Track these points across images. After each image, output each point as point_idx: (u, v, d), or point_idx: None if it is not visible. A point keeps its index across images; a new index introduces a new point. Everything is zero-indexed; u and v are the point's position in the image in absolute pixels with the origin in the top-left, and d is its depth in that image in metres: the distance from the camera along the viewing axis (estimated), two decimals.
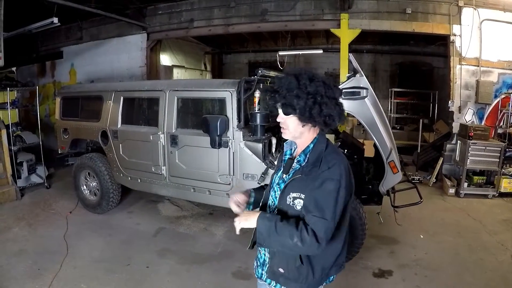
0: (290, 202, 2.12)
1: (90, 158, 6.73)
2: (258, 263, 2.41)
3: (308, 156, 2.16)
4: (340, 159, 2.12)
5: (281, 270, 2.22)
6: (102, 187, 6.62)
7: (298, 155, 2.22)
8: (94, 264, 5.03)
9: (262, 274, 2.37)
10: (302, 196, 2.07)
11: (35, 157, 8.55)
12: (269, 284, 2.33)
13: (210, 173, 5.38)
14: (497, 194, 7.78)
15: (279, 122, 2.18)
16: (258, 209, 2.44)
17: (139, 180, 6.24)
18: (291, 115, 2.09)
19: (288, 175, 2.20)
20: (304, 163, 2.15)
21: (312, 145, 2.19)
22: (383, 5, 8.97)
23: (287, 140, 2.31)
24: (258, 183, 4.86)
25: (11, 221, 6.48)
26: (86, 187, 7.00)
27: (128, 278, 4.69)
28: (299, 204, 2.08)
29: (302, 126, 2.13)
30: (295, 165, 2.21)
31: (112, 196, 6.64)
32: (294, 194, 2.10)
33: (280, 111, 2.13)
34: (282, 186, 2.19)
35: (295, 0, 9.47)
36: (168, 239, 5.86)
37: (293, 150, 2.32)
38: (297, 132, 2.15)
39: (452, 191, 8.04)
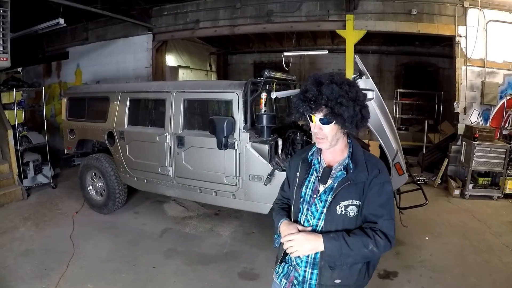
0: (341, 211, 2.07)
1: (96, 158, 6.77)
2: (296, 282, 2.25)
3: (353, 162, 2.12)
4: (379, 160, 2.21)
5: (337, 281, 2.13)
6: (109, 188, 6.66)
7: (341, 162, 2.15)
8: (101, 264, 5.06)
9: None
10: (356, 202, 2.07)
11: (41, 157, 8.60)
12: None
13: (216, 174, 5.41)
14: (502, 196, 7.76)
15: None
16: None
17: (145, 181, 6.27)
18: (332, 123, 2.00)
19: (331, 185, 2.11)
20: (352, 170, 2.09)
21: (351, 151, 2.16)
22: (389, 6, 8.95)
23: (314, 148, 2.24)
24: (264, 184, 4.89)
25: (17, 221, 6.52)
26: (92, 187, 7.04)
27: (134, 278, 4.72)
28: (352, 211, 2.07)
29: (342, 134, 2.10)
30: (336, 173, 2.13)
31: (118, 197, 6.68)
32: (346, 202, 2.06)
33: (316, 120, 2.02)
34: (325, 197, 2.11)
35: (300, 1, 9.47)
36: (174, 240, 5.89)
37: (320, 159, 2.21)
38: (334, 140, 2.07)
39: (457, 192, 8.03)
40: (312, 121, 2.05)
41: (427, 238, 5.92)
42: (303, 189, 2.20)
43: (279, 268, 2.39)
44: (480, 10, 8.45)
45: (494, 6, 8.46)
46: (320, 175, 2.16)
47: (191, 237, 6.00)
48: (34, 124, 11.67)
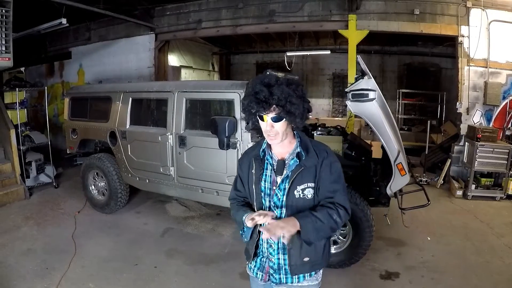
0: (299, 194, 2.27)
1: (98, 158, 6.78)
2: (272, 271, 2.44)
3: (304, 149, 2.31)
4: (325, 145, 2.44)
5: (306, 259, 2.35)
6: (111, 187, 6.67)
7: (291, 152, 2.33)
8: (102, 264, 5.07)
9: (280, 278, 2.42)
10: (311, 184, 2.27)
11: (44, 157, 8.63)
12: (291, 283, 2.42)
13: (218, 174, 5.40)
14: (505, 196, 7.73)
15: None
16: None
17: (147, 181, 6.27)
18: (283, 120, 2.17)
19: (287, 174, 2.29)
20: (304, 157, 2.28)
21: (299, 141, 2.36)
22: (391, 6, 8.93)
23: (264, 145, 2.39)
24: None
25: (19, 220, 6.54)
26: (94, 187, 7.06)
27: (136, 278, 4.72)
28: (309, 193, 2.28)
29: (291, 128, 2.30)
30: (289, 163, 2.31)
31: (120, 196, 6.69)
32: (302, 186, 2.27)
33: (268, 118, 2.17)
34: (283, 186, 2.30)
35: (302, 1, 9.47)
36: (176, 239, 5.90)
37: (271, 153, 2.38)
38: (284, 135, 2.24)
39: (459, 193, 8.01)
40: (263, 120, 2.20)
41: (429, 238, 5.91)
42: (262, 183, 2.37)
43: (251, 263, 2.55)
44: (483, 10, 8.42)
45: (497, 6, 8.43)
46: (275, 168, 2.34)
47: (193, 237, 6.01)
48: (36, 124, 11.72)
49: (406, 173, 4.93)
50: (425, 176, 9.17)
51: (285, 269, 2.39)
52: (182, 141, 5.63)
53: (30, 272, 4.79)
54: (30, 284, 4.52)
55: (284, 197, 2.29)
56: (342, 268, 4.88)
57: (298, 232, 2.18)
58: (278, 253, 2.38)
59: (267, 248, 2.42)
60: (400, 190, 5.32)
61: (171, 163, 5.85)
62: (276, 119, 2.15)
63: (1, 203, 7.16)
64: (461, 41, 8.66)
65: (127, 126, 6.33)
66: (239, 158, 2.61)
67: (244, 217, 2.30)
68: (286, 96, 2.09)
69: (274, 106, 2.11)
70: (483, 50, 8.59)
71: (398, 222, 5.88)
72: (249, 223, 2.21)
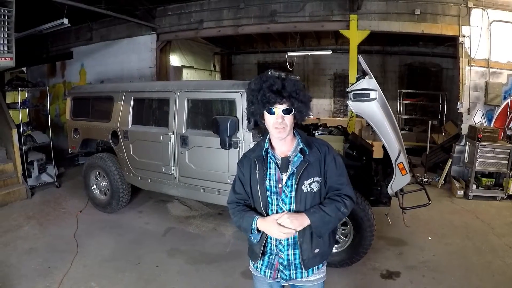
0: (307, 189, 2.33)
1: (100, 158, 6.79)
2: (281, 267, 2.48)
3: (306, 145, 2.38)
4: (323, 140, 2.56)
5: (316, 251, 2.43)
6: (112, 187, 6.68)
7: (293, 150, 2.38)
8: (104, 263, 5.08)
9: (290, 274, 2.47)
10: (316, 178, 2.35)
11: (46, 157, 8.64)
12: (301, 278, 2.49)
13: (220, 173, 5.40)
14: (506, 196, 7.72)
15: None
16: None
17: (149, 180, 6.28)
18: (292, 113, 2.26)
19: (292, 170, 2.33)
20: (307, 153, 2.34)
21: (300, 137, 2.42)
22: (392, 6, 8.94)
23: (266, 145, 2.41)
24: None
25: (21, 219, 6.56)
26: (96, 186, 7.08)
27: (137, 277, 4.74)
28: (315, 186, 2.35)
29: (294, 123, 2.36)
30: (293, 159, 2.36)
31: (122, 196, 6.70)
32: (309, 181, 2.33)
33: (279, 111, 2.23)
34: (290, 182, 2.34)
35: (304, 1, 9.47)
36: (178, 239, 5.91)
37: (274, 152, 2.41)
38: (291, 128, 2.32)
39: (460, 193, 8.00)
40: (273, 114, 2.25)
41: (430, 238, 5.92)
42: (267, 182, 2.39)
43: (258, 262, 2.58)
44: (484, 10, 8.42)
45: (498, 6, 8.43)
46: (280, 165, 2.37)
47: (194, 236, 6.02)
48: (38, 124, 11.74)
49: (407, 173, 4.94)
50: (426, 176, 9.17)
51: (295, 264, 2.44)
52: (184, 140, 5.64)
53: (32, 271, 4.81)
54: (32, 283, 4.53)
55: (293, 193, 2.33)
56: (343, 268, 4.89)
57: (309, 225, 2.28)
58: (288, 249, 2.42)
59: (276, 245, 2.45)
60: (401, 190, 5.32)
61: (173, 162, 5.86)
62: (286, 112, 2.23)
63: (3, 203, 7.18)
64: (462, 41, 8.67)
65: (129, 126, 6.34)
66: (238, 160, 2.62)
67: (253, 223, 2.36)
68: (296, 89, 2.22)
69: (285, 98, 2.20)
70: (484, 50, 8.59)
71: (399, 222, 5.90)
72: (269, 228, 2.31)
